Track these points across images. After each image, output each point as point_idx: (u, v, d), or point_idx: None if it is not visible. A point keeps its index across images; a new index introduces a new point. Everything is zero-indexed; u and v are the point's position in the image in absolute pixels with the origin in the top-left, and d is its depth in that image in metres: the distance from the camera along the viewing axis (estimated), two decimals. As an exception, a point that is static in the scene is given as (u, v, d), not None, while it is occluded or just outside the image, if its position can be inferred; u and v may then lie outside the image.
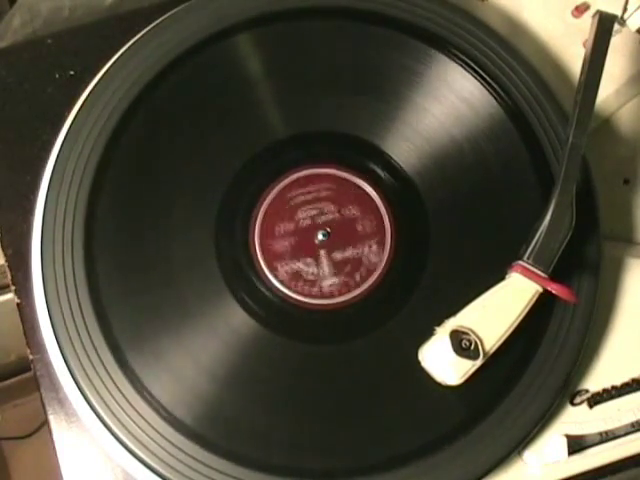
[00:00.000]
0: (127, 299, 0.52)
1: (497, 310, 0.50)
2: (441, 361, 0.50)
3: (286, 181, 0.55)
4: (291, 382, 0.52)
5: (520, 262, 0.50)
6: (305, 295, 0.54)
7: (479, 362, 0.49)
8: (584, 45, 0.56)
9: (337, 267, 0.54)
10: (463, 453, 0.51)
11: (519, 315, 0.50)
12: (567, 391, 0.54)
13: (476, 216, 0.55)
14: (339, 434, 0.52)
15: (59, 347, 0.52)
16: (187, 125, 0.56)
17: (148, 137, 0.55)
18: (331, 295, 0.54)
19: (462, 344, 0.49)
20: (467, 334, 0.49)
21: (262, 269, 0.54)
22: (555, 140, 0.56)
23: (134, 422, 0.50)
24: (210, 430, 0.51)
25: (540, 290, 0.50)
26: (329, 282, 0.54)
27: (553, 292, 0.50)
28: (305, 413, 0.52)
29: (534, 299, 0.50)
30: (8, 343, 0.95)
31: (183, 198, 0.54)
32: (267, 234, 0.55)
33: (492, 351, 0.50)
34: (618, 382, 0.55)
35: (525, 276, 0.50)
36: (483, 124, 0.56)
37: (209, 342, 0.52)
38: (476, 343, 0.49)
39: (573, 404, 0.55)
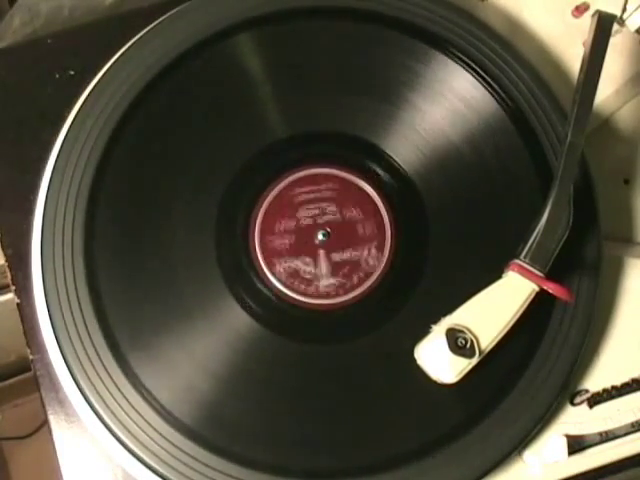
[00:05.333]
0: (127, 299, 0.52)
1: (493, 308, 0.50)
2: (437, 359, 0.50)
3: (286, 181, 0.55)
4: (291, 382, 0.52)
5: (517, 261, 0.50)
6: (307, 295, 0.54)
7: (475, 360, 0.49)
8: (584, 45, 0.56)
9: (336, 267, 0.54)
10: (463, 453, 0.51)
11: (515, 314, 0.50)
12: (567, 391, 0.54)
13: (476, 216, 0.55)
14: (339, 434, 0.52)
15: (59, 347, 0.52)
16: (187, 125, 0.56)
17: (148, 137, 0.55)
18: (332, 295, 0.54)
19: (458, 342, 0.49)
20: (463, 332, 0.49)
21: (262, 269, 0.54)
22: (555, 140, 0.56)
23: (134, 422, 0.50)
24: (210, 430, 0.51)
25: (536, 289, 0.50)
26: (327, 282, 0.54)
27: (549, 291, 0.50)
28: (305, 413, 0.52)
29: (530, 298, 0.50)
30: (8, 343, 0.95)
31: (183, 197, 0.54)
32: (267, 234, 0.55)
33: (488, 350, 0.50)
34: (618, 382, 0.55)
35: (522, 275, 0.50)
36: (483, 124, 0.56)
37: (209, 342, 0.52)
38: (472, 341, 0.49)
39: (573, 404, 0.55)
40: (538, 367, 0.52)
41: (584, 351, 0.54)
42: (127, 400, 0.51)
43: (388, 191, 0.56)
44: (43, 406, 0.54)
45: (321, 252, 0.54)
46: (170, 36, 0.57)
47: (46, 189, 0.54)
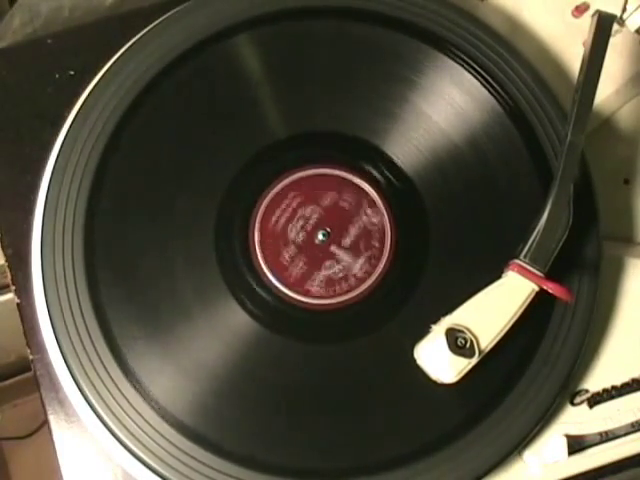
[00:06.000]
0: (127, 299, 0.52)
1: (493, 308, 0.50)
2: (436, 359, 0.50)
3: (286, 181, 0.55)
4: (291, 382, 0.52)
5: (517, 261, 0.50)
6: (307, 295, 0.54)
7: (474, 360, 0.49)
8: (584, 45, 0.56)
9: (336, 267, 0.54)
10: (463, 453, 0.51)
11: (515, 314, 0.50)
12: (567, 391, 0.54)
13: (476, 216, 0.55)
14: (339, 434, 0.52)
15: (59, 347, 0.52)
16: (187, 125, 0.56)
17: (148, 137, 0.55)
18: (332, 295, 0.54)
19: (458, 342, 0.49)
20: (463, 332, 0.49)
21: (262, 269, 0.54)
22: (555, 140, 0.56)
23: (134, 422, 0.51)
24: (210, 430, 0.51)
25: (536, 289, 0.50)
26: (327, 282, 0.54)
27: (549, 291, 0.50)
28: (305, 413, 0.52)
29: (530, 298, 0.50)
30: (8, 343, 0.96)
31: (183, 198, 0.54)
32: (267, 234, 0.55)
33: (488, 349, 0.50)
34: (618, 382, 0.55)
35: (521, 275, 0.50)
36: (483, 124, 0.56)
37: (209, 342, 0.52)
38: (472, 341, 0.49)
39: (573, 404, 0.55)
40: (538, 367, 0.52)
41: (584, 351, 0.54)
42: (127, 400, 0.51)
43: (388, 191, 0.56)
44: (43, 406, 0.54)
45: (322, 252, 0.54)
46: (170, 36, 0.57)
47: (46, 189, 0.54)
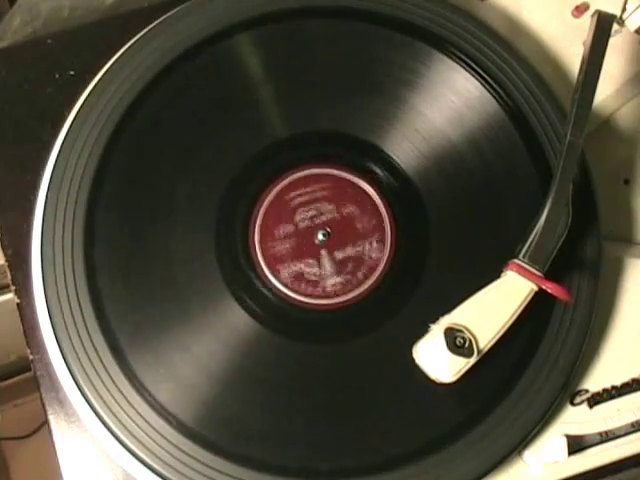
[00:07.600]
0: (127, 299, 0.52)
1: (492, 308, 0.50)
2: (435, 358, 0.50)
3: (285, 182, 0.56)
4: (291, 382, 0.52)
5: (516, 260, 0.50)
6: (307, 295, 0.54)
7: (473, 360, 0.49)
8: (584, 45, 0.56)
9: (338, 267, 0.54)
10: (463, 453, 0.51)
11: (514, 313, 0.50)
12: (567, 391, 0.54)
13: (476, 216, 0.55)
14: (339, 434, 0.52)
15: (59, 347, 0.52)
16: (187, 125, 0.56)
17: (148, 137, 0.55)
18: (332, 295, 0.54)
19: (456, 342, 0.49)
20: (461, 332, 0.49)
21: (262, 269, 0.54)
22: (555, 140, 0.56)
23: (134, 422, 0.50)
24: (210, 430, 0.51)
25: (535, 289, 0.50)
26: (331, 282, 0.54)
27: (548, 291, 0.50)
28: (305, 413, 0.52)
29: (529, 298, 0.50)
30: (8, 343, 0.95)
31: (183, 198, 0.55)
32: (267, 235, 0.55)
33: (486, 349, 0.50)
34: (618, 382, 0.55)
35: (520, 275, 0.50)
36: (483, 124, 0.56)
37: (209, 342, 0.52)
38: (470, 341, 0.49)
39: (573, 404, 0.55)
40: (538, 367, 0.52)
41: (584, 351, 0.54)
42: (127, 400, 0.51)
43: (388, 191, 0.56)
44: (43, 406, 0.54)
45: (323, 252, 0.54)
46: (170, 36, 0.57)
47: (46, 189, 0.54)
